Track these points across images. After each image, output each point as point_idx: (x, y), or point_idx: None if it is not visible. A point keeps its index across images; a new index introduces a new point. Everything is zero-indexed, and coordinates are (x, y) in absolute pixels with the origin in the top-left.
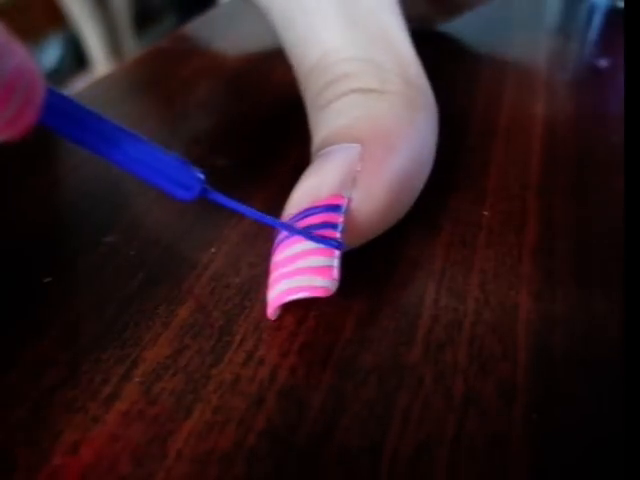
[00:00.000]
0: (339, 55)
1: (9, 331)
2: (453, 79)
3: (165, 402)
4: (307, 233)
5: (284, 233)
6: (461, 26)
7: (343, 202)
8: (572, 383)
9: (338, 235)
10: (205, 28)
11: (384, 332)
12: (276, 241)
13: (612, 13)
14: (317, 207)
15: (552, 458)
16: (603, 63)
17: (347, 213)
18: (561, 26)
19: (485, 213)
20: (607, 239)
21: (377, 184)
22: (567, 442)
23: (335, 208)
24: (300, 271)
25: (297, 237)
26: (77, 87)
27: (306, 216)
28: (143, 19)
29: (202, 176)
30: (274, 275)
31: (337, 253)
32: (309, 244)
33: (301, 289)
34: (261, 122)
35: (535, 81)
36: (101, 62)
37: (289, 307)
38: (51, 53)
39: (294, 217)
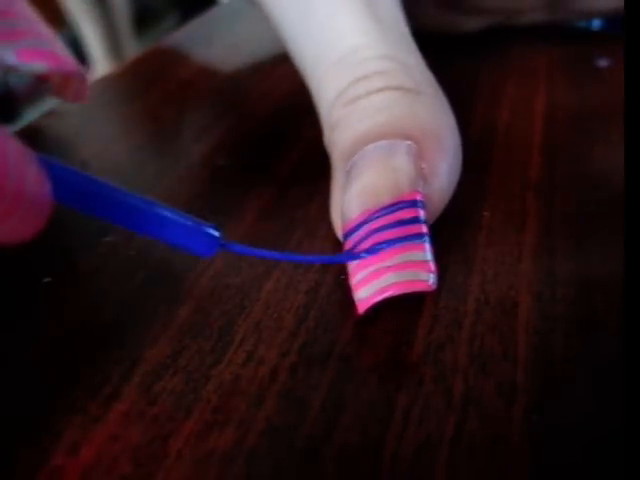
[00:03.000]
0: (370, 52)
1: (9, 331)
2: (453, 79)
3: (165, 402)
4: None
5: (359, 229)
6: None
7: (421, 197)
8: (572, 383)
9: (426, 231)
10: (205, 28)
11: (384, 332)
12: (353, 238)
13: (612, 13)
14: (401, 202)
15: (552, 458)
16: (603, 63)
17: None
18: (561, 26)
19: (485, 213)
20: (607, 239)
21: (440, 180)
22: (567, 442)
23: (417, 203)
24: (399, 267)
25: (393, 232)
26: None
27: (393, 211)
28: (143, 19)
29: (217, 233)
30: (365, 272)
31: (429, 247)
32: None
33: (402, 284)
34: (261, 122)
35: (535, 81)
36: (101, 62)
37: (289, 307)
38: None
39: (380, 211)
